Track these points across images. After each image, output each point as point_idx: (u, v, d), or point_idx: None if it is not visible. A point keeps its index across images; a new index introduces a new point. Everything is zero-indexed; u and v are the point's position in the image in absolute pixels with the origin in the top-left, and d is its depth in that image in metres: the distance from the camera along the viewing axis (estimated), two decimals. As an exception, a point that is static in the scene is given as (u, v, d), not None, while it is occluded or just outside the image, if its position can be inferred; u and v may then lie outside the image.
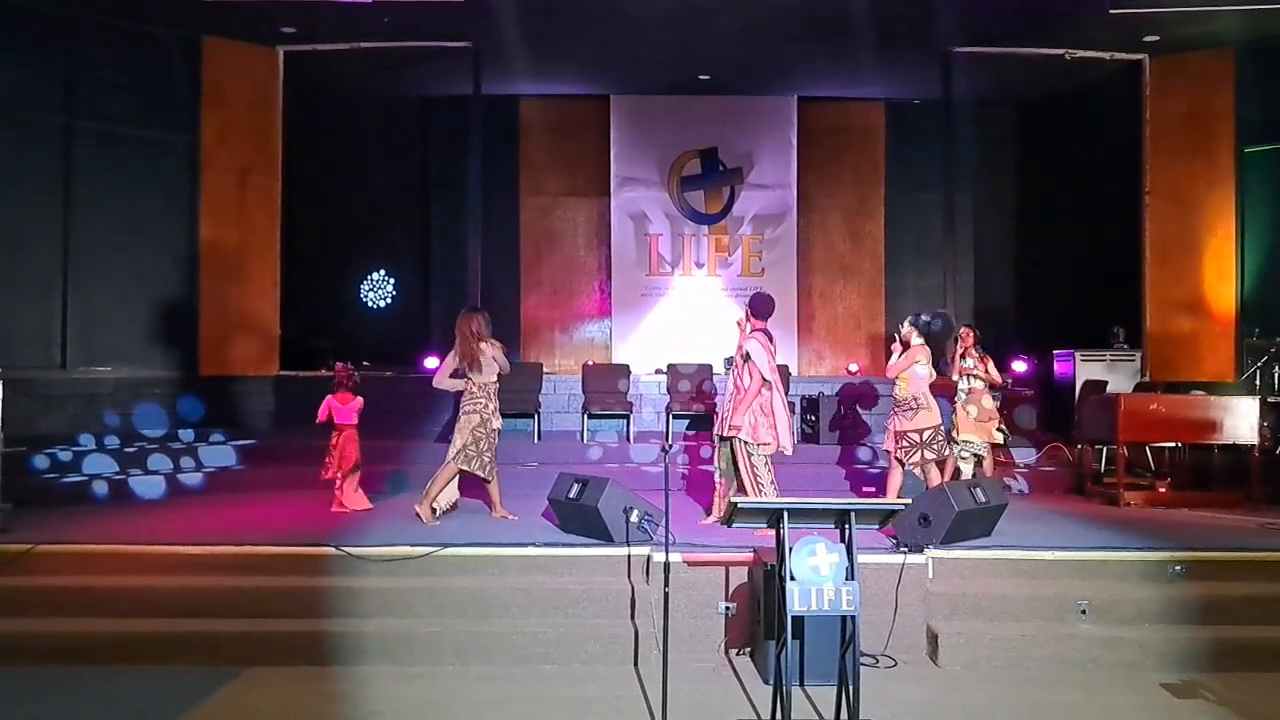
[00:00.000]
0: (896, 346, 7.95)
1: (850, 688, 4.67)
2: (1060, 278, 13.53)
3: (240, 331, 11.59)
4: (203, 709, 5.16)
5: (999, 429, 8.75)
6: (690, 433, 11.20)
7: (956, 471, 8.49)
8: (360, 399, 8.18)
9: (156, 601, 6.20)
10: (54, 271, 10.26)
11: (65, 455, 9.25)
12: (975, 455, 8.65)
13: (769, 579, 5.45)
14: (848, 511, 4.85)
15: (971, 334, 8.94)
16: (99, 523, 7.59)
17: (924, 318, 8.10)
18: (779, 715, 4.71)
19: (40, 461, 8.98)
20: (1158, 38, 11.45)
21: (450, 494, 7.83)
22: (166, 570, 6.53)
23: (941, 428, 7.87)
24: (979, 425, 8.63)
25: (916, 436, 7.71)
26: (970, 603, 6.22)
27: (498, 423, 7.70)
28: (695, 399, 11.19)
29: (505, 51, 11.73)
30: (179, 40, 11.24)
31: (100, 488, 8.93)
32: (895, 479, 7.91)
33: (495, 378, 7.69)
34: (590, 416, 11.31)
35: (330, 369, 9.66)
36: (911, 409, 7.74)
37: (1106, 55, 12.03)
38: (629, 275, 14.32)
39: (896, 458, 7.82)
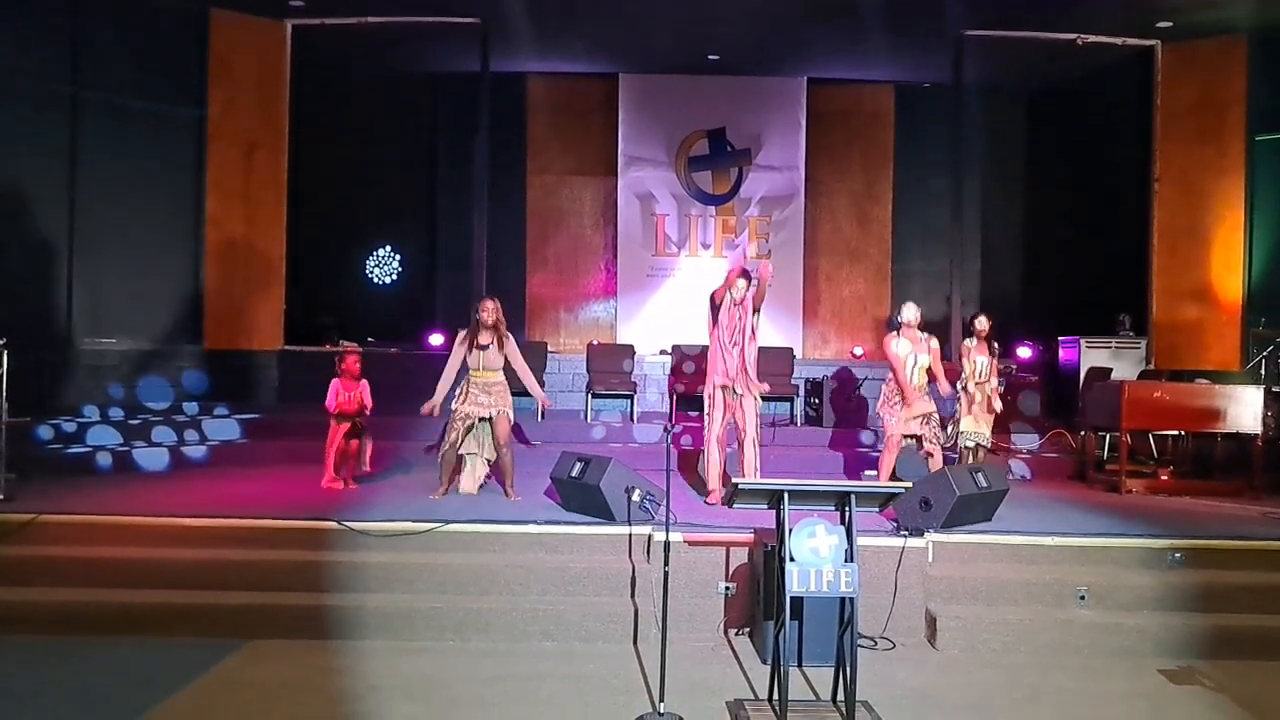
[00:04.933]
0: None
1: (848, 669, 4.69)
2: (1067, 264, 13.50)
3: (245, 306, 11.61)
4: (204, 680, 5.19)
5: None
6: (693, 414, 11.19)
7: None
8: (335, 379, 8.21)
9: (159, 573, 6.24)
10: (60, 243, 10.26)
11: (70, 426, 9.31)
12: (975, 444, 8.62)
13: (769, 560, 5.47)
14: (848, 494, 4.87)
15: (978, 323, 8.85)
16: (102, 494, 7.63)
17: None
18: (776, 695, 4.73)
19: (44, 432, 9.04)
20: (1170, 24, 11.39)
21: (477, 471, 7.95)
22: (169, 542, 6.56)
23: (892, 415, 7.93)
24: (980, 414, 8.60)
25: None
26: (969, 587, 6.23)
27: (463, 406, 7.69)
28: (699, 380, 11.19)
29: (514, 28, 11.68)
30: (186, 13, 11.21)
31: (104, 459, 8.99)
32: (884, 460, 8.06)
33: (468, 368, 7.79)
34: (594, 396, 11.32)
35: (335, 345, 9.72)
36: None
37: (1118, 41, 11.96)
38: (635, 255, 14.30)
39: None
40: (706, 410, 7.79)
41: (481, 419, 7.73)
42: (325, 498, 7.61)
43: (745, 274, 7.71)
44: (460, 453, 7.77)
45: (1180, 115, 11.91)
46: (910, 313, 7.95)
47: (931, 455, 7.92)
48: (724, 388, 7.69)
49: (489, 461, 7.94)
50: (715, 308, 7.68)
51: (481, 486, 7.97)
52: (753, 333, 7.71)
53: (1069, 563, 6.50)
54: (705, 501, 7.59)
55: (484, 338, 7.69)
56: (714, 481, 7.68)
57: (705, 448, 7.79)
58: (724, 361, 7.66)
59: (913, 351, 7.87)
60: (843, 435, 10.46)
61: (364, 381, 8.22)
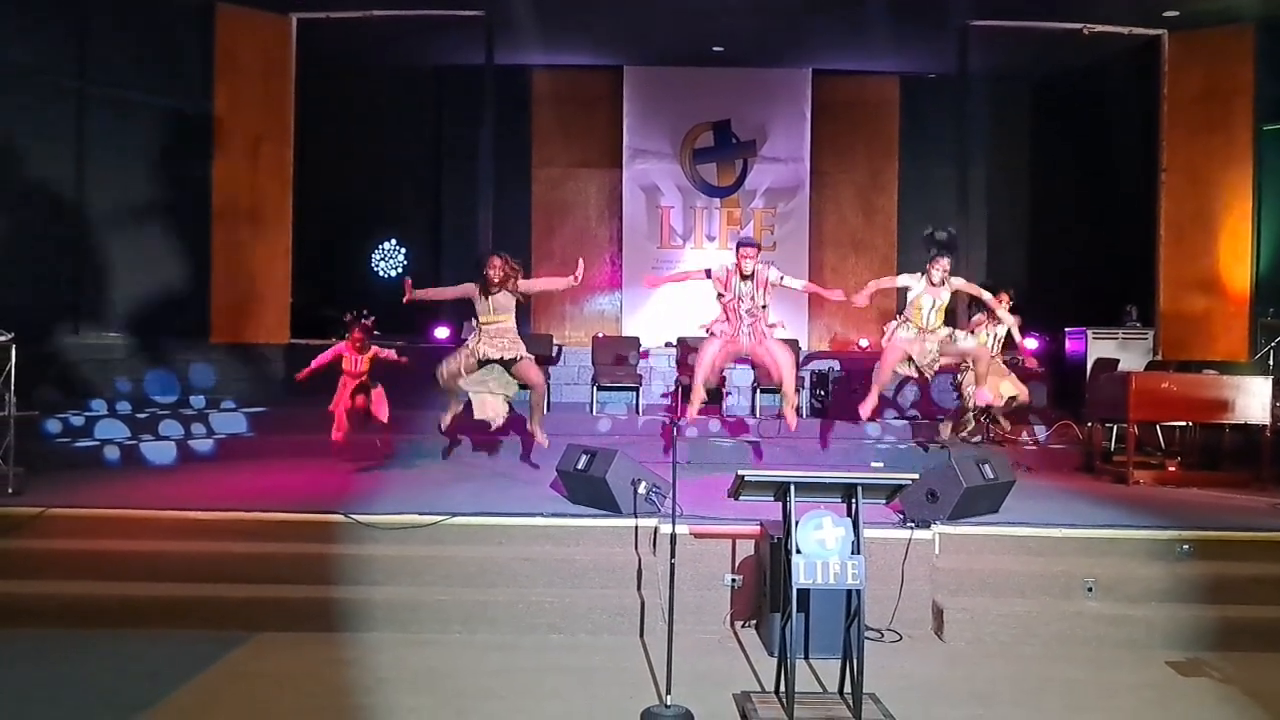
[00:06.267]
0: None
1: (854, 661, 4.68)
2: (1073, 255, 13.44)
3: (252, 299, 11.60)
4: (211, 672, 5.21)
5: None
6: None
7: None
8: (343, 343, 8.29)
9: (166, 566, 6.25)
10: (67, 237, 10.25)
11: (77, 420, 9.33)
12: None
13: (775, 552, 5.47)
14: (855, 486, 4.86)
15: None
16: (110, 487, 7.65)
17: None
18: (783, 687, 4.73)
19: (53, 426, 9.07)
20: (1177, 12, 11.33)
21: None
22: (177, 535, 6.58)
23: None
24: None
25: None
26: (976, 579, 6.22)
27: (476, 345, 7.83)
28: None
29: (518, 21, 11.63)
30: (191, 6, 11.19)
31: (112, 453, 9.02)
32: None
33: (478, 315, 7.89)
34: (599, 388, 11.33)
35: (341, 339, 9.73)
36: None
37: (1125, 30, 11.90)
38: (640, 247, 14.28)
39: None
40: (700, 348, 8.12)
41: (493, 360, 7.72)
42: (332, 490, 7.62)
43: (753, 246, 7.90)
44: (465, 388, 7.79)
45: (1187, 105, 11.84)
46: (939, 270, 8.23)
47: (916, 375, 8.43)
48: (727, 339, 7.96)
49: (509, 400, 7.96)
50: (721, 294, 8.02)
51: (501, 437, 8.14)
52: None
53: (1076, 554, 6.48)
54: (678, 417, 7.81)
55: (493, 288, 7.72)
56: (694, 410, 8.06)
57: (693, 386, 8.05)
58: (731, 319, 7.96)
59: (932, 296, 8.18)
60: (849, 427, 10.44)
61: (373, 349, 8.21)
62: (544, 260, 14.42)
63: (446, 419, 8.01)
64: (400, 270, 14.35)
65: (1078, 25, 11.72)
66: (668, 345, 12.37)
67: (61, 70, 10.25)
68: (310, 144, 12.27)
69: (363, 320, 8.22)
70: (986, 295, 8.68)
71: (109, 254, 10.49)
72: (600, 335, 12.57)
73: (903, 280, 8.45)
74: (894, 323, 8.47)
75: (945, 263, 8.23)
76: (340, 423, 8.14)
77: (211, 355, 11.19)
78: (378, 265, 14.31)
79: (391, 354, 8.26)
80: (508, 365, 7.75)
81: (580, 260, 7.99)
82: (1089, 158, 13.46)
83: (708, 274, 8.14)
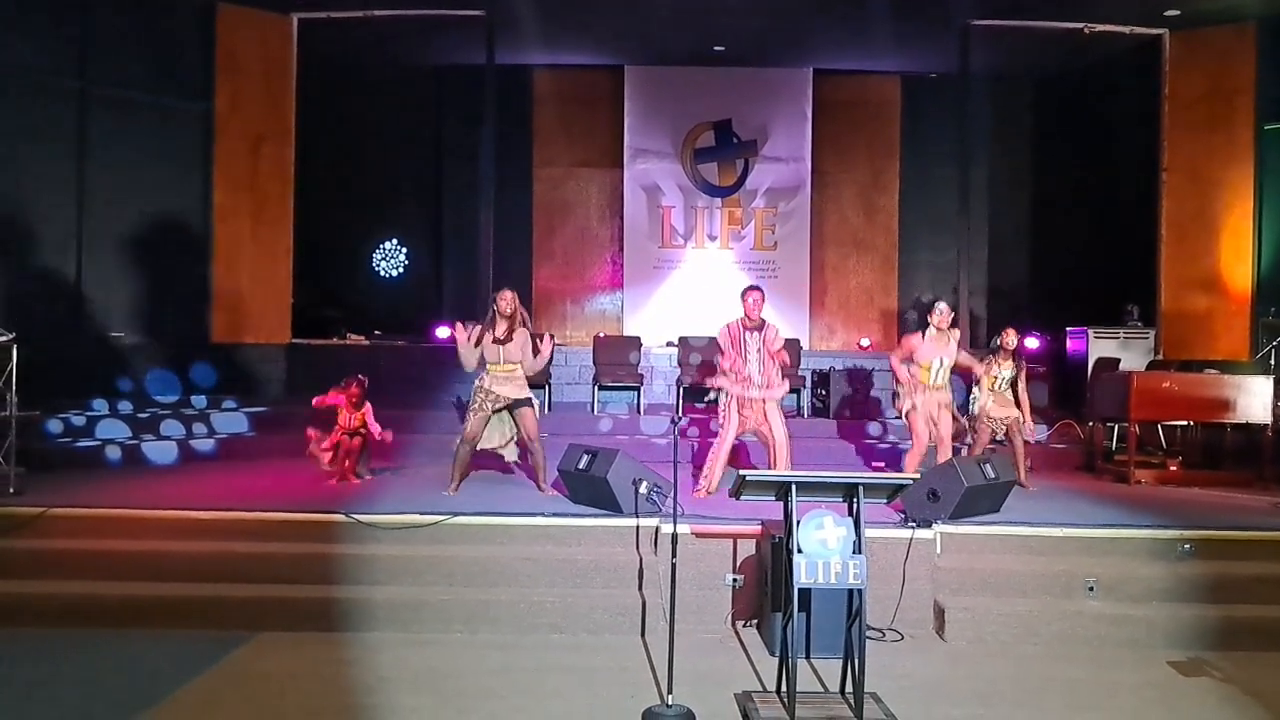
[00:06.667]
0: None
1: (856, 660, 4.68)
2: (1075, 254, 13.44)
3: (253, 299, 11.60)
4: (212, 672, 5.21)
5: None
6: (700, 405, 11.18)
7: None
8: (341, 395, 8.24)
9: (168, 566, 6.25)
10: (68, 237, 10.26)
11: (79, 420, 9.33)
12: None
13: (776, 552, 5.46)
14: (856, 485, 4.85)
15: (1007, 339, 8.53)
16: (111, 487, 7.64)
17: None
18: (785, 686, 4.73)
19: (54, 426, 9.06)
20: (1179, 12, 11.33)
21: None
22: (178, 535, 6.58)
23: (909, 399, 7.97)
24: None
25: None
26: (978, 578, 6.21)
27: (484, 387, 7.70)
28: (706, 371, 11.17)
29: (519, 21, 11.66)
30: (193, 6, 11.21)
31: (113, 452, 9.02)
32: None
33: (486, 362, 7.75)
34: (601, 388, 11.33)
35: (342, 339, 9.65)
36: None
37: (1126, 30, 11.90)
38: (641, 247, 14.29)
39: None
40: (721, 421, 7.76)
41: (501, 408, 7.67)
42: (333, 490, 7.64)
43: (757, 289, 7.74)
44: (482, 448, 7.74)
45: (1188, 104, 11.84)
46: (940, 315, 7.90)
47: (943, 443, 7.87)
48: (740, 400, 7.62)
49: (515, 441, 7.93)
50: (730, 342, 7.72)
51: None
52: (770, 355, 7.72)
53: (1077, 554, 6.48)
54: (694, 494, 7.56)
55: (501, 330, 7.63)
56: (714, 483, 7.68)
57: (713, 456, 7.76)
58: (744, 367, 7.62)
59: (938, 354, 7.83)
60: (850, 427, 10.45)
61: (367, 406, 8.18)
62: (545, 260, 14.45)
63: (453, 486, 7.66)
64: (401, 270, 14.38)
65: (1079, 25, 11.73)
66: (669, 345, 12.37)
67: (63, 70, 10.26)
68: (310, 144, 12.28)
69: (359, 377, 8.22)
70: (979, 368, 8.29)
71: (111, 253, 10.50)
72: (601, 335, 12.57)
73: (916, 340, 7.97)
74: (903, 393, 8.04)
75: (944, 306, 7.94)
76: (338, 470, 8.12)
77: (213, 355, 11.19)
78: (379, 265, 14.33)
79: (379, 431, 8.20)
80: (514, 409, 7.71)
81: (551, 338, 8.04)
82: (1090, 157, 13.47)
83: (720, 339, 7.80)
